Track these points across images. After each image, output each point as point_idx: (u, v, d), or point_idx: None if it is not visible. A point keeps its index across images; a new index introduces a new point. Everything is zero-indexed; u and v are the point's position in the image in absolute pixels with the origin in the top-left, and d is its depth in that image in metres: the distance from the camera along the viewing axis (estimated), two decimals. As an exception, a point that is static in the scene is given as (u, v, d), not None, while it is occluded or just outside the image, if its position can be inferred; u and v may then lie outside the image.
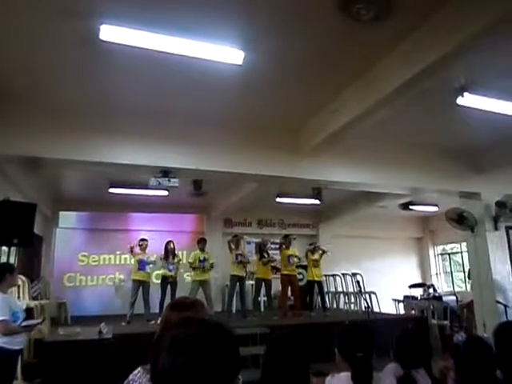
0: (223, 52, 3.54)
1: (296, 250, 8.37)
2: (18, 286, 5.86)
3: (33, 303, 6.22)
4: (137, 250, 7.63)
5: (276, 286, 8.54)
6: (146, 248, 7.65)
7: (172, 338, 0.82)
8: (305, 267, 8.98)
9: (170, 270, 7.54)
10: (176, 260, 7.69)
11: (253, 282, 8.49)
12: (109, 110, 4.89)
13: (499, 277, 6.52)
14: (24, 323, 3.59)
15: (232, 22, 3.34)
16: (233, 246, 8.04)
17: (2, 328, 3.33)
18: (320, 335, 5.45)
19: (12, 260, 5.29)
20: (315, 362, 1.90)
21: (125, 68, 4.01)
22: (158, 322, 6.02)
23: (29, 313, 4.84)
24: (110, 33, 3.24)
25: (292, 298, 8.36)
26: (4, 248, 5.39)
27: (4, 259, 5.24)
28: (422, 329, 7.08)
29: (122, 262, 10.01)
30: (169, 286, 7.46)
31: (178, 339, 0.81)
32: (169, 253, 7.62)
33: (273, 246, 9.52)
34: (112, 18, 3.16)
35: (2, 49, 3.67)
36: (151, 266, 7.67)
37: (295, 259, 8.15)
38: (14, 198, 5.36)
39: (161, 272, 7.69)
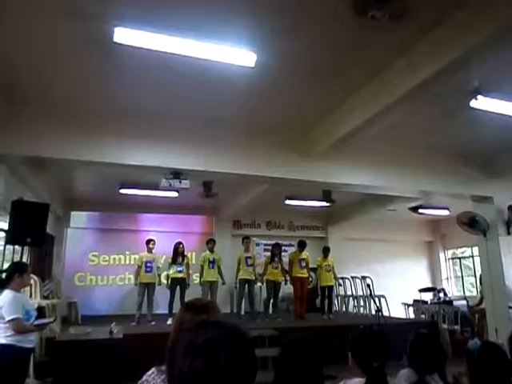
0: (235, 54, 3.53)
1: (307, 253, 8.34)
2: (30, 285, 5.92)
3: (44, 302, 6.26)
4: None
5: (284, 288, 8.53)
6: (152, 249, 7.71)
7: (189, 341, 0.82)
8: (314, 270, 8.94)
9: (179, 272, 7.56)
10: (185, 261, 7.71)
11: (261, 285, 8.48)
12: (119, 111, 4.91)
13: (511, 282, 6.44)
14: (37, 322, 3.63)
15: (245, 24, 3.35)
16: (243, 248, 8.06)
17: (16, 326, 3.36)
18: (330, 338, 5.41)
19: (24, 259, 5.34)
20: (325, 365, 1.89)
21: (136, 70, 4.03)
22: (168, 322, 6.00)
23: (40, 312, 4.87)
24: (124, 35, 3.26)
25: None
26: (17, 247, 5.45)
27: (17, 258, 5.30)
28: (433, 333, 7.00)
29: (132, 262, 10.05)
30: (178, 288, 7.48)
31: (196, 343, 0.80)
32: (178, 254, 7.64)
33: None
34: (125, 21, 3.17)
35: (13, 50, 3.70)
36: (159, 267, 7.73)
37: (305, 263, 8.16)
38: (27, 198, 5.43)
39: (170, 273, 7.71)
